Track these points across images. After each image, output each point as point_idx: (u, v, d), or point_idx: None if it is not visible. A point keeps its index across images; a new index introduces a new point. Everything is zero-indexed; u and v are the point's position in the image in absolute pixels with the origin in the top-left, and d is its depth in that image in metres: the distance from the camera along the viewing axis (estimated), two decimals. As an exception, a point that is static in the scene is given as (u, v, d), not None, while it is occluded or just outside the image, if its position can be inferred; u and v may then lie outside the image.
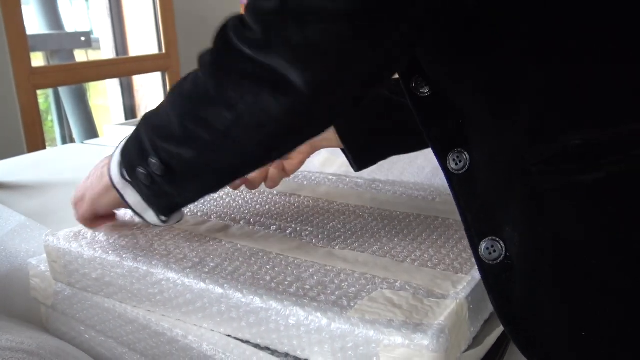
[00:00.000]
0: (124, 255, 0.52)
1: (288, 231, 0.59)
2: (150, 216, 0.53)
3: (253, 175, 0.64)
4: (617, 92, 0.37)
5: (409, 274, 0.49)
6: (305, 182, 0.76)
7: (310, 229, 0.60)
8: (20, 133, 2.18)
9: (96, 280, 0.54)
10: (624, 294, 0.37)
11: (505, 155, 0.40)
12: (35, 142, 2.16)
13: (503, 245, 0.41)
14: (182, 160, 0.47)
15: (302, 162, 0.68)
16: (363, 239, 0.57)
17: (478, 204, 0.42)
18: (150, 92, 3.22)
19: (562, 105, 0.38)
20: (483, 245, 0.42)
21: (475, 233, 0.42)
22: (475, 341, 0.46)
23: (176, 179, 0.49)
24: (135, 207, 0.53)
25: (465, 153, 0.43)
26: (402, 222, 0.61)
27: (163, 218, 0.54)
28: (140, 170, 0.49)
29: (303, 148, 0.66)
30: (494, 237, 0.41)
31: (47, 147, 2.10)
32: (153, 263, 0.51)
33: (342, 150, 0.70)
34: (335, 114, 0.45)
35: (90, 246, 0.55)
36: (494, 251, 0.41)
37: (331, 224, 0.61)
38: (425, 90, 0.45)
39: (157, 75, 3.02)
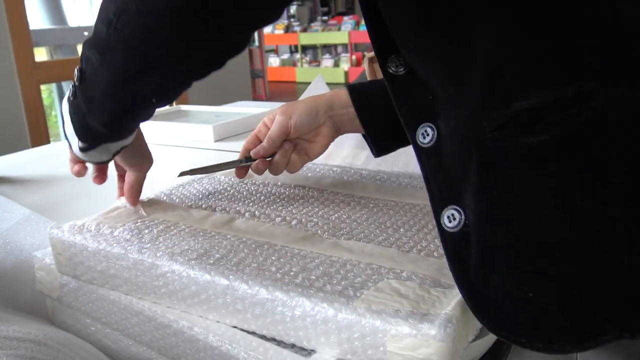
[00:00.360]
0: (129, 248, 0.52)
1: (293, 222, 0.59)
2: (75, 143, 0.56)
3: (276, 158, 0.66)
4: (558, 54, 0.37)
5: (415, 264, 0.49)
6: (309, 174, 0.76)
7: (315, 220, 0.60)
8: (25, 128, 2.18)
9: (101, 273, 0.54)
10: (570, 252, 0.37)
11: (464, 126, 0.41)
12: (40, 137, 2.17)
13: (462, 212, 0.42)
14: (90, 64, 0.50)
15: (325, 147, 0.69)
16: (369, 230, 0.57)
17: (442, 176, 0.44)
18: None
19: (510, 71, 0.39)
20: (444, 215, 0.43)
21: (438, 203, 0.44)
22: (482, 331, 0.46)
23: (87, 87, 0.51)
24: (67, 133, 0.56)
25: (433, 127, 0.45)
26: (407, 213, 0.61)
27: (81, 144, 0.56)
28: (71, 84, 0.53)
29: (328, 132, 0.68)
30: (454, 206, 0.43)
31: (51, 142, 2.11)
32: (158, 255, 0.51)
33: (363, 135, 0.70)
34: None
35: (94, 239, 0.55)
36: (454, 219, 0.42)
37: (336, 215, 0.61)
38: (401, 70, 0.47)
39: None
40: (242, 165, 0.68)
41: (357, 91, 0.67)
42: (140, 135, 0.64)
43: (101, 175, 0.66)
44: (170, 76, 0.49)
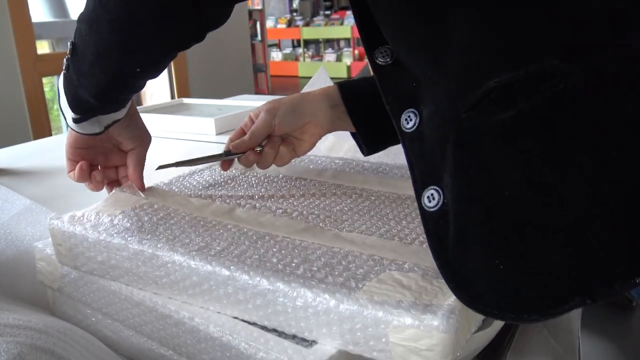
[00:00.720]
0: (129, 238, 0.52)
1: (294, 214, 0.59)
2: (69, 115, 0.58)
3: (265, 150, 0.66)
4: (523, 33, 0.39)
5: (418, 255, 0.48)
6: (311, 166, 0.76)
7: (316, 212, 0.59)
8: (27, 120, 2.18)
9: (101, 263, 0.54)
10: (538, 227, 0.38)
11: (443, 109, 0.43)
12: (41, 129, 2.17)
13: (441, 192, 0.43)
14: (80, 36, 0.53)
15: (312, 145, 0.69)
16: (371, 222, 0.56)
17: (424, 159, 0.45)
18: (156, 79, 3.23)
19: (482, 52, 0.40)
20: (425, 195, 0.44)
21: (420, 185, 0.45)
22: (485, 323, 0.46)
23: (78, 60, 0.54)
24: (62, 106, 0.58)
25: (416, 112, 0.46)
26: (410, 205, 0.61)
27: (74, 116, 0.58)
28: (65, 57, 0.55)
29: (314, 130, 0.67)
30: (434, 187, 0.44)
31: (53, 135, 2.11)
32: (159, 246, 0.50)
33: (352, 134, 0.69)
34: None
35: (94, 229, 0.54)
36: (433, 199, 0.43)
37: (338, 207, 0.60)
38: (387, 60, 0.48)
39: (162, 63, 3.01)
40: (224, 159, 0.67)
41: (348, 88, 0.67)
42: (135, 111, 0.65)
43: (85, 174, 0.65)
44: (153, 48, 0.52)
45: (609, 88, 0.37)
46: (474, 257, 0.40)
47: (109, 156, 0.67)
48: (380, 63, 0.49)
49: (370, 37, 0.49)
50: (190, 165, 0.68)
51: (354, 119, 0.66)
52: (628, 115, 0.37)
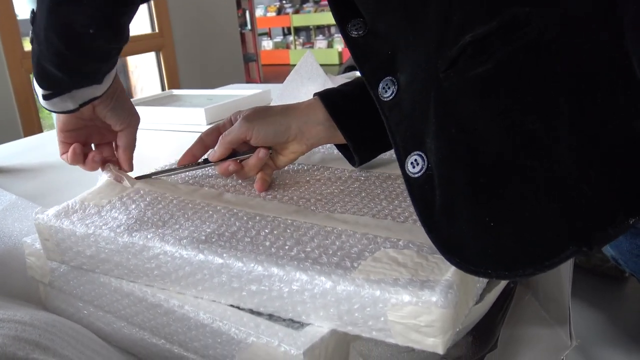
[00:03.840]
0: (118, 231, 0.51)
1: (284, 199, 0.58)
2: (39, 92, 0.57)
3: (251, 162, 0.61)
4: None
5: (412, 233, 0.47)
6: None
7: (307, 195, 0.58)
8: (16, 118, 2.17)
9: (91, 258, 0.53)
10: (524, 177, 0.38)
11: (422, 71, 0.42)
12: (32, 127, 2.15)
13: (425, 157, 0.42)
14: (38, 1, 0.51)
15: (291, 161, 0.66)
16: (362, 203, 0.55)
17: (404, 126, 0.44)
18: (145, 72, 3.19)
19: (458, 8, 0.40)
20: (408, 161, 0.44)
21: (402, 151, 0.44)
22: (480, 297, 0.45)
23: (36, 25, 0.52)
24: (35, 84, 0.57)
25: (394, 80, 0.46)
26: (401, 184, 0.60)
27: (43, 92, 0.56)
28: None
29: (297, 148, 0.64)
30: (417, 152, 0.43)
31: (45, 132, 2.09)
32: (149, 237, 0.49)
33: (337, 146, 0.67)
34: None
35: (82, 222, 0.53)
36: (417, 164, 0.43)
37: (328, 190, 0.59)
38: (361, 32, 0.49)
39: (152, 55, 2.98)
40: (200, 167, 0.64)
41: (332, 101, 0.63)
42: (121, 92, 0.63)
43: (77, 154, 0.63)
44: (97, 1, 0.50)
45: (583, 31, 0.37)
46: (462, 218, 0.40)
47: (103, 133, 0.66)
48: (353, 36, 0.49)
49: (342, 11, 0.49)
50: (169, 175, 0.65)
51: (346, 130, 0.62)
52: (604, 59, 0.36)
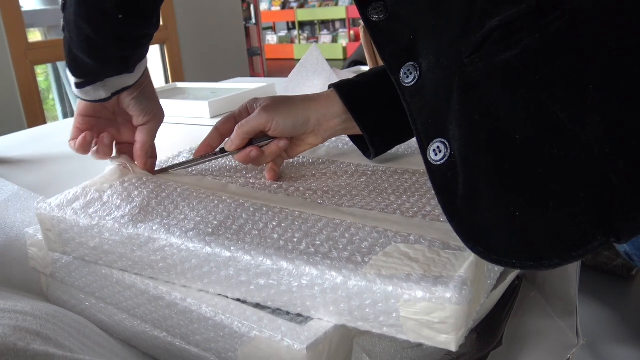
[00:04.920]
0: (122, 222, 0.50)
1: (290, 190, 0.56)
2: (72, 81, 0.56)
3: (271, 150, 0.60)
4: None
5: (422, 228, 0.46)
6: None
7: (314, 187, 0.57)
8: (20, 110, 2.16)
9: (94, 249, 0.51)
10: (552, 167, 0.37)
11: (445, 57, 0.41)
12: (36, 118, 2.15)
13: (448, 144, 0.42)
14: None
15: (303, 151, 0.65)
16: (370, 197, 0.54)
17: (426, 112, 0.44)
18: (150, 65, 3.19)
19: None
20: (430, 149, 0.43)
21: (425, 138, 0.43)
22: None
23: (67, 13, 0.51)
24: (67, 73, 0.56)
25: (416, 65, 0.45)
26: (409, 179, 0.59)
27: (75, 80, 0.55)
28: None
29: (313, 140, 0.63)
30: (439, 139, 0.42)
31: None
32: (154, 229, 0.48)
33: (351, 138, 0.66)
34: None
35: (85, 212, 0.52)
36: (440, 152, 0.42)
37: (335, 183, 0.58)
38: (382, 16, 0.47)
39: (156, 48, 2.97)
40: (218, 157, 0.63)
41: (349, 92, 0.62)
42: (149, 83, 0.61)
43: (103, 148, 0.60)
44: None
45: (615, 18, 0.36)
46: (486, 207, 0.39)
47: (122, 130, 0.63)
48: (374, 20, 0.48)
49: None
50: (187, 167, 0.64)
51: (363, 123, 0.62)
52: (637, 46, 0.35)
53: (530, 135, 0.37)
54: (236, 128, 0.60)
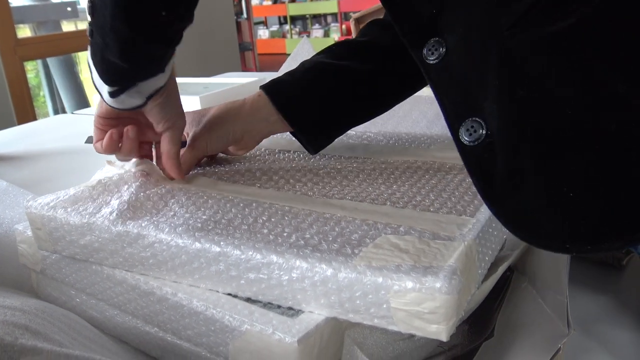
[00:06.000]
0: (112, 218, 0.49)
1: (280, 182, 0.56)
2: (104, 90, 0.52)
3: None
4: None
5: (412, 219, 0.46)
6: (292, 139, 0.73)
7: (303, 179, 0.57)
8: (10, 106, 2.14)
9: (84, 247, 0.51)
10: (610, 143, 0.35)
11: (479, 29, 0.39)
12: (26, 115, 2.14)
13: (483, 123, 0.39)
14: None
15: (245, 151, 0.66)
16: (360, 188, 0.54)
17: (456, 89, 0.41)
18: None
19: None
20: (463, 128, 0.40)
21: (455, 118, 0.41)
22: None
23: (98, 17, 0.47)
24: (96, 83, 0.52)
25: (441, 41, 0.42)
26: (398, 169, 0.59)
27: (109, 89, 0.52)
28: (88, 24, 0.49)
29: (245, 144, 0.63)
30: (473, 117, 0.40)
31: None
32: (143, 225, 0.48)
33: (292, 133, 0.65)
34: None
35: (75, 210, 0.52)
36: (474, 131, 0.40)
37: (326, 176, 0.58)
38: None
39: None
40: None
41: (279, 95, 0.61)
42: (173, 88, 0.58)
43: (133, 146, 0.58)
44: None
45: None
46: (532, 189, 0.37)
47: (144, 131, 0.60)
48: None
49: None
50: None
51: (289, 116, 0.61)
52: None
53: (584, 109, 0.35)
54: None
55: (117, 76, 0.52)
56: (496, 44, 0.38)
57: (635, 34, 0.34)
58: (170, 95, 0.57)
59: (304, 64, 0.64)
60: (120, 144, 0.58)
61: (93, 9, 0.48)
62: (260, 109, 0.61)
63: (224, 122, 0.61)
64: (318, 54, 0.66)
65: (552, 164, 0.36)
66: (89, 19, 0.49)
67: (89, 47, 0.52)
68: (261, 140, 0.64)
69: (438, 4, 0.42)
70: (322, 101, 0.62)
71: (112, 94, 0.52)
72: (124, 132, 0.58)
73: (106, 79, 0.52)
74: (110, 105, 0.55)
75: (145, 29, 0.48)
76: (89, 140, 0.60)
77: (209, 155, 0.64)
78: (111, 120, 0.58)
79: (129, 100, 0.53)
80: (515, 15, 0.36)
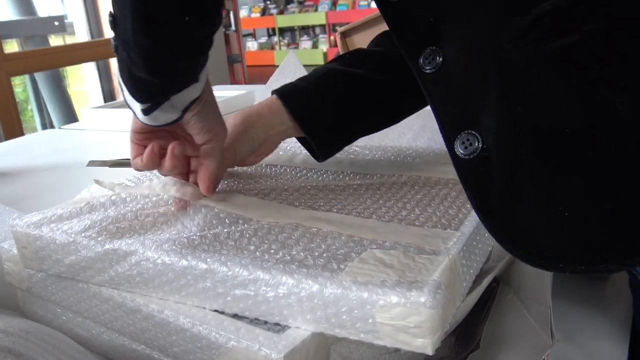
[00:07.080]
0: (99, 239, 0.49)
1: (266, 191, 0.57)
2: (137, 108, 0.49)
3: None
4: None
5: (397, 233, 0.47)
6: (280, 152, 0.74)
7: (290, 193, 0.57)
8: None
9: (70, 266, 0.51)
10: (609, 162, 0.34)
11: (479, 41, 0.38)
12: (13, 130, 2.12)
13: (479, 136, 0.39)
14: (116, 3, 0.43)
15: (265, 156, 0.66)
16: (346, 201, 0.55)
17: (452, 101, 0.41)
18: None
19: None
20: (458, 141, 0.40)
21: (450, 130, 0.41)
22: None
23: (120, 30, 0.44)
24: (127, 100, 0.49)
25: (438, 50, 0.41)
26: (384, 184, 0.59)
27: (142, 106, 0.48)
28: (112, 39, 0.46)
29: (265, 150, 0.63)
30: (469, 131, 0.39)
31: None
32: (129, 243, 0.48)
33: (300, 139, 0.65)
34: None
35: (61, 229, 0.52)
36: (470, 145, 0.39)
37: (312, 190, 0.59)
38: None
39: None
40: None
41: (292, 99, 0.61)
42: (210, 97, 0.53)
43: (176, 163, 0.54)
44: None
45: None
46: (527, 206, 0.36)
47: (183, 144, 0.55)
48: (391, 1, 0.44)
49: None
50: (122, 166, 0.60)
51: (306, 128, 0.60)
52: None
53: (583, 128, 0.34)
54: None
55: (148, 92, 0.48)
56: (496, 57, 0.37)
57: (638, 54, 0.34)
58: (208, 104, 0.53)
59: (317, 71, 0.64)
60: (161, 159, 0.54)
61: (114, 22, 0.45)
62: (277, 113, 0.60)
63: (247, 129, 0.60)
64: (331, 61, 0.66)
65: (548, 183, 0.36)
66: (114, 40, 0.46)
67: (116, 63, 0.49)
68: (277, 146, 0.64)
69: (437, 13, 0.42)
70: (337, 108, 0.61)
71: (145, 111, 0.49)
72: (169, 149, 0.53)
73: (137, 96, 0.48)
74: (144, 123, 0.51)
75: (170, 38, 0.44)
76: (91, 164, 0.57)
77: (238, 165, 0.63)
78: (148, 134, 0.55)
79: (164, 116, 0.50)
80: (516, 28, 0.36)
